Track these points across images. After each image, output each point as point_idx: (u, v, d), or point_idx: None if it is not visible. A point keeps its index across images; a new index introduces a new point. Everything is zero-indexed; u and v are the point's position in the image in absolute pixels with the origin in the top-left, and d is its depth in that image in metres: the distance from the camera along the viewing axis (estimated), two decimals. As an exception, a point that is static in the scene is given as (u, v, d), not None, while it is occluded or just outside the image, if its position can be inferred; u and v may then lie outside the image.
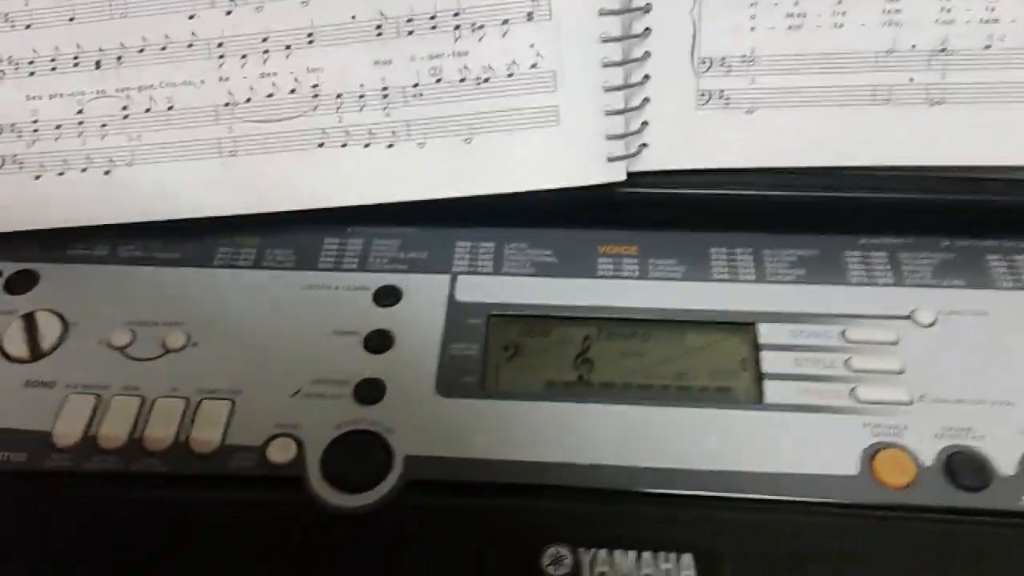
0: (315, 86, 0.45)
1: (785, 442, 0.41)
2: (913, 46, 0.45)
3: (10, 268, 0.47)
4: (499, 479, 0.40)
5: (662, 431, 0.42)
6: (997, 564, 0.38)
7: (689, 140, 0.47)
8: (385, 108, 0.45)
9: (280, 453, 0.41)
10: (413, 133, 0.45)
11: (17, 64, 0.45)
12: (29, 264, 0.48)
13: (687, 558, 0.38)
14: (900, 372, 0.44)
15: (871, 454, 0.41)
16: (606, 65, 0.45)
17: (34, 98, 0.46)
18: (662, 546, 0.38)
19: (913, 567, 0.38)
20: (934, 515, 0.39)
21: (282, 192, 0.46)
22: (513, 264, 0.48)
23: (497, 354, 0.45)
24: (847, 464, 0.41)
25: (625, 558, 0.38)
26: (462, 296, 0.47)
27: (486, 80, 0.45)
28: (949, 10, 0.45)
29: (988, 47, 0.45)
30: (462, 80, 0.45)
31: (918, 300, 0.46)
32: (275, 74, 0.45)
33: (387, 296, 0.47)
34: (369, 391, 0.43)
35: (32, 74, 0.46)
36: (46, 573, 0.39)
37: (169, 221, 0.47)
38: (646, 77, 0.46)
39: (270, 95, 0.45)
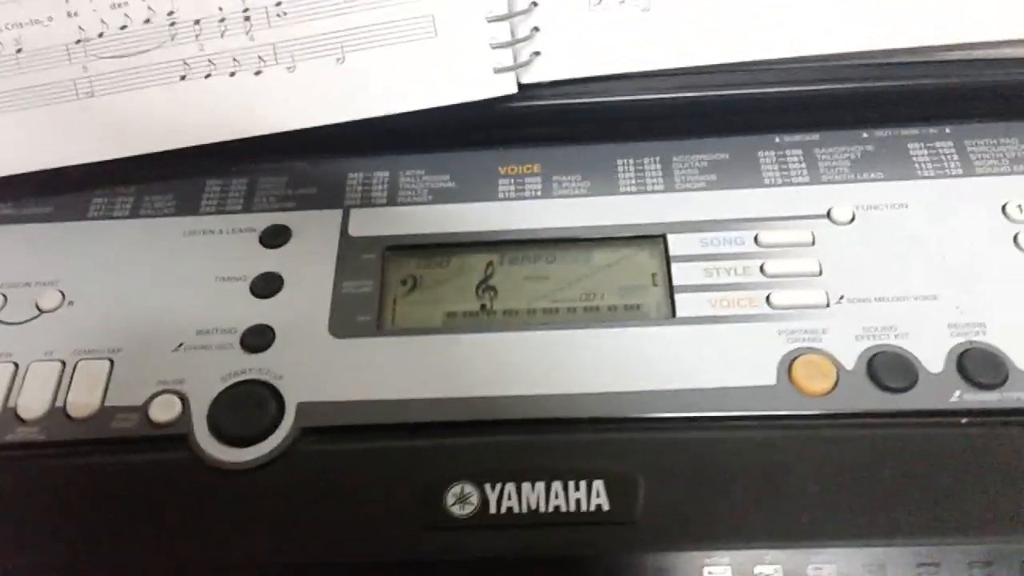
0: (171, 13, 0.42)
1: (700, 356, 0.39)
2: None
3: None
4: (398, 419, 0.38)
5: (570, 355, 0.40)
6: (929, 467, 0.36)
7: (585, 45, 0.44)
8: (248, 31, 0.42)
9: (163, 411, 0.38)
10: (281, 56, 0.42)
11: None
12: None
13: (598, 484, 0.36)
14: (817, 274, 0.41)
15: (789, 361, 0.39)
16: (484, -33, 0.42)
17: None
18: (572, 475, 0.36)
19: (840, 476, 0.36)
20: (859, 420, 0.38)
21: (147, 132, 0.43)
22: (409, 193, 0.46)
23: (394, 289, 0.42)
24: (764, 374, 0.39)
25: (532, 491, 0.36)
26: (355, 231, 0.44)
27: (354, -9, 0.42)
28: None
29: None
30: (328, -6, 0.42)
31: (835, 197, 0.44)
32: (126, 3, 0.42)
33: (275, 236, 0.44)
34: (257, 338, 0.40)
35: None
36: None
37: (36, 173, 0.44)
38: (531, -23, 0.43)
39: (123, 27, 0.42)
